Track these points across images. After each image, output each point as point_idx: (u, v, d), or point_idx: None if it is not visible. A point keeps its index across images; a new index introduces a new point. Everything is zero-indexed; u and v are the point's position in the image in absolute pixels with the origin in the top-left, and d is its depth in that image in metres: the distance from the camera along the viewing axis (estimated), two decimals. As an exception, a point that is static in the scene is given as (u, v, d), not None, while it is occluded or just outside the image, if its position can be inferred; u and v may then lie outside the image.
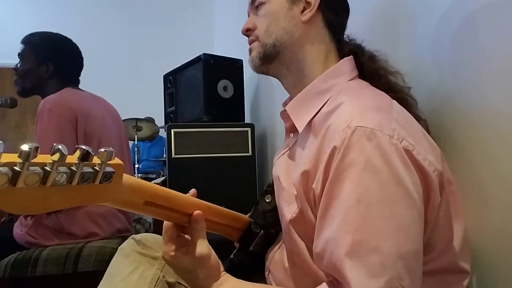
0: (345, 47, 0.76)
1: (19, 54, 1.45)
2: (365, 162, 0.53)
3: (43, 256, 1.24)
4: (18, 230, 1.33)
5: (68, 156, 0.38)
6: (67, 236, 1.31)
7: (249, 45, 0.78)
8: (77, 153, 0.38)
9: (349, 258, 0.52)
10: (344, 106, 0.61)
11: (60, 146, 0.36)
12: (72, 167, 0.39)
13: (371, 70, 0.72)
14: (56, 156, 0.36)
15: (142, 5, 4.37)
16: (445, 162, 0.64)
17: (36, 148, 0.34)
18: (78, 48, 1.51)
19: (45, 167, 0.37)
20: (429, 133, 0.66)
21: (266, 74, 0.79)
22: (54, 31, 1.50)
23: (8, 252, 1.29)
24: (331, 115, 0.62)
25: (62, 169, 0.38)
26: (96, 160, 0.41)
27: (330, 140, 0.57)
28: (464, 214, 0.66)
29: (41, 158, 0.36)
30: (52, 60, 1.43)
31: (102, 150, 0.41)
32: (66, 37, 1.50)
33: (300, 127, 0.70)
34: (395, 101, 0.65)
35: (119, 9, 4.33)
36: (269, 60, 0.75)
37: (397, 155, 0.54)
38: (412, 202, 0.54)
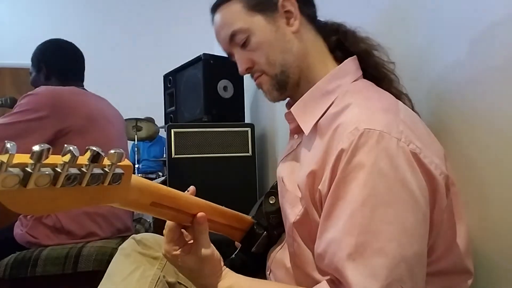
0: (328, 34, 0.75)
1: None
2: (372, 164, 0.53)
3: (43, 256, 1.23)
4: (19, 230, 1.33)
5: (78, 157, 0.38)
6: (66, 235, 1.30)
7: (255, 80, 0.76)
8: (88, 154, 0.38)
9: (352, 260, 0.52)
10: (352, 108, 0.61)
11: (71, 147, 0.36)
12: (82, 168, 0.39)
13: (348, 46, 0.73)
14: (67, 157, 0.36)
15: (142, 5, 4.37)
16: (448, 162, 0.64)
17: (48, 149, 0.34)
18: (76, 48, 1.51)
19: (56, 168, 0.37)
20: (412, 109, 0.68)
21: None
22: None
23: (8, 252, 1.29)
24: (338, 116, 0.62)
25: (73, 170, 0.38)
26: (106, 161, 0.41)
27: (338, 142, 0.57)
28: (465, 214, 0.66)
29: (52, 159, 0.36)
30: (43, 61, 1.44)
31: (113, 151, 0.40)
32: (61, 40, 1.50)
33: (306, 129, 0.69)
34: (400, 102, 0.65)
35: (119, 9, 4.33)
36: (285, 87, 0.73)
37: (404, 158, 0.54)
38: (417, 206, 0.54)
